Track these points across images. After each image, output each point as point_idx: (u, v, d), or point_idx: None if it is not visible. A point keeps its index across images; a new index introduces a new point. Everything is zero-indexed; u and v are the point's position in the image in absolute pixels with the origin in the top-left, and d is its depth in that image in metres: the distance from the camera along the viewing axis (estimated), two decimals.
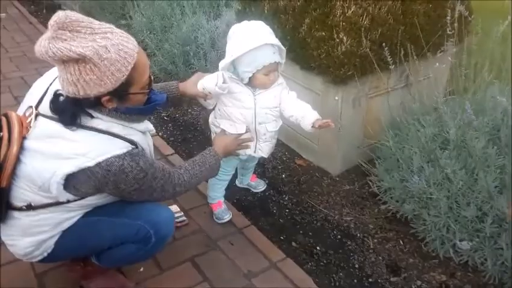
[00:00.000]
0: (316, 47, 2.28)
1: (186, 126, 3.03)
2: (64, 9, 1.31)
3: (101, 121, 1.42)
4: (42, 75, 1.58)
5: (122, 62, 1.30)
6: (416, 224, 2.00)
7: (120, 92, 1.36)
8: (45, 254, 1.57)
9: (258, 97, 1.87)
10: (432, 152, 1.95)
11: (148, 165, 1.47)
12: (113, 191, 1.47)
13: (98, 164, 1.36)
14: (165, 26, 3.57)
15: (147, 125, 1.58)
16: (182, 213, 2.21)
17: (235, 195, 2.39)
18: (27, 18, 4.96)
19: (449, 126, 1.92)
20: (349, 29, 2.19)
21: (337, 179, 2.52)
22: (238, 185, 2.45)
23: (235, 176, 2.38)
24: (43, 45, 1.24)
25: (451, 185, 1.80)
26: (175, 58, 3.34)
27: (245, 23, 1.84)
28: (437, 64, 2.08)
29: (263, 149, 2.01)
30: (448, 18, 1.97)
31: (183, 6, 3.56)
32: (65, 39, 1.24)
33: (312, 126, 1.86)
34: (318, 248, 2.09)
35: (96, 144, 1.38)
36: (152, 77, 1.47)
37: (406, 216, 2.07)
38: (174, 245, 2.04)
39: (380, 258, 2.03)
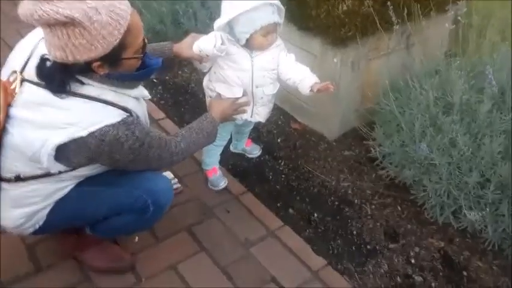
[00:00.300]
0: (315, 6, 2.17)
1: (177, 89, 2.91)
2: None
3: (92, 88, 1.31)
4: (24, 36, 1.45)
5: (114, 25, 1.20)
6: (416, 190, 1.96)
7: (112, 57, 1.26)
8: (37, 226, 1.51)
9: (256, 59, 1.79)
10: (435, 116, 1.89)
11: (144, 134, 1.39)
12: (107, 162, 1.39)
13: (91, 134, 1.28)
14: None
15: (142, 91, 1.48)
16: (177, 180, 2.14)
17: (230, 161, 2.33)
18: None
19: (453, 90, 1.85)
20: None
21: (334, 143, 2.46)
22: (233, 150, 2.38)
23: (229, 141, 2.29)
24: (27, 7, 1.12)
25: (453, 150, 1.75)
26: (164, 17, 3.16)
27: None
28: (446, 25, 1.97)
29: (260, 113, 1.94)
30: None
31: None
32: (51, 0, 1.12)
33: (310, 90, 1.79)
34: (315, 214, 2.06)
35: (88, 113, 1.29)
36: (146, 40, 1.36)
37: (405, 182, 2.03)
38: (170, 213, 1.96)
39: (378, 224, 2.00)
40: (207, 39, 1.70)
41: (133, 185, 1.52)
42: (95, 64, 1.25)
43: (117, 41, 1.22)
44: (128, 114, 1.35)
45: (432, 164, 1.81)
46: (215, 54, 1.69)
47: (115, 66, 1.30)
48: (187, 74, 3.06)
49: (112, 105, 1.33)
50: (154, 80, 3.01)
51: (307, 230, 1.98)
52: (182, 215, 1.98)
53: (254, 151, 2.36)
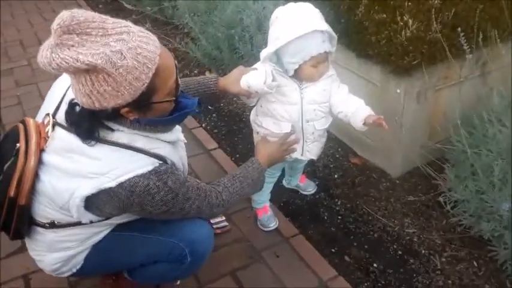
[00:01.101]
0: (375, 32, 1.98)
1: (231, 117, 2.82)
2: None
3: (122, 134, 1.23)
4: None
5: (141, 69, 1.09)
6: (496, 244, 1.68)
7: (141, 102, 1.15)
8: (74, 270, 1.45)
9: (305, 91, 1.64)
10: None
11: (179, 184, 1.27)
12: (140, 213, 1.30)
13: (120, 185, 1.19)
14: (209, 7, 3.33)
15: (178, 135, 1.38)
16: (224, 218, 2.03)
17: (282, 198, 2.18)
18: (76, 0, 4.90)
19: None
20: (415, 10, 1.87)
21: (398, 182, 2.23)
22: (286, 185, 2.23)
23: (282, 176, 2.16)
24: (45, 55, 1.03)
25: None
26: (220, 42, 3.10)
27: (290, 5, 1.58)
28: None
29: (311, 150, 1.78)
30: None
31: None
32: (72, 46, 1.03)
33: (364, 123, 1.62)
34: (374, 265, 1.83)
35: (117, 162, 1.20)
36: (180, 82, 1.25)
37: (482, 234, 1.75)
38: (215, 255, 1.84)
39: (449, 282, 1.74)
40: (256, 74, 1.57)
41: (169, 232, 1.42)
42: (124, 110, 1.16)
43: (145, 85, 1.12)
44: (160, 162, 1.25)
45: None
46: (265, 91, 1.56)
47: (145, 111, 1.20)
48: (243, 101, 2.97)
49: (143, 153, 1.23)
50: (209, 108, 2.94)
51: (365, 283, 1.76)
52: (228, 258, 1.85)
53: (308, 188, 2.20)
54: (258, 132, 1.80)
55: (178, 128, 1.40)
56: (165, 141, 1.30)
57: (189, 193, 1.31)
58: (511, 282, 1.66)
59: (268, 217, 1.98)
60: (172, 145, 1.34)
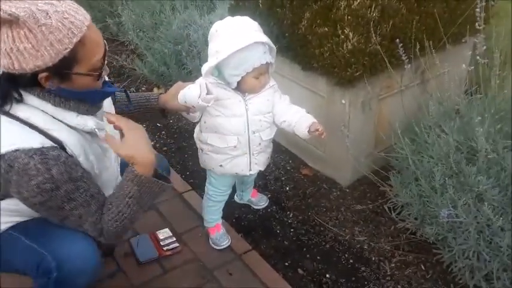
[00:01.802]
0: (318, 45, 2.01)
1: (181, 134, 2.78)
2: None
3: (25, 107, 1.18)
4: None
5: (65, 32, 1.09)
6: (441, 247, 1.73)
7: (62, 70, 1.13)
8: None
9: (250, 102, 1.65)
10: (457, 164, 1.67)
11: (67, 178, 1.17)
12: (18, 197, 1.19)
13: (1, 156, 1.12)
14: (155, 23, 3.30)
15: (92, 124, 1.25)
16: (174, 239, 1.98)
17: (234, 214, 2.16)
18: None
19: (476, 134, 1.64)
20: (355, 24, 1.91)
21: (347, 190, 2.26)
22: (238, 201, 2.21)
23: (234, 191, 2.13)
24: None
25: (481, 206, 1.53)
26: (167, 58, 3.07)
27: (229, 19, 1.59)
28: (463, 65, 1.78)
29: (259, 161, 1.79)
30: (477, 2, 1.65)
31: (174, 0, 3.27)
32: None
33: (309, 131, 1.65)
34: (327, 275, 1.84)
35: (6, 133, 1.14)
36: (106, 65, 1.23)
37: (427, 237, 1.80)
38: (165, 278, 1.81)
39: (399, 287, 1.77)
40: (191, 89, 1.55)
41: (45, 241, 1.29)
42: (42, 75, 1.12)
43: (67, 50, 1.09)
44: (54, 145, 1.16)
45: (457, 221, 1.58)
46: (201, 105, 1.53)
47: (63, 80, 1.16)
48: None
49: (38, 131, 1.16)
50: (158, 124, 2.89)
51: None
52: (178, 280, 1.80)
53: (260, 202, 2.19)
54: (202, 150, 1.77)
55: (102, 123, 1.31)
56: (70, 126, 1.22)
57: (76, 195, 1.20)
58: (457, 284, 1.71)
59: (221, 235, 1.95)
60: (83, 135, 1.26)
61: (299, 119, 1.68)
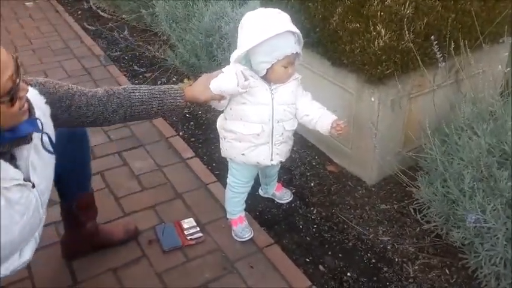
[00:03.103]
0: (349, 41, 1.99)
1: (209, 125, 2.81)
2: None
3: None
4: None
5: None
6: (467, 252, 1.69)
7: None
8: None
9: (276, 92, 1.68)
10: (488, 168, 1.63)
11: None
12: None
13: None
14: (188, 14, 3.33)
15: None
16: (198, 229, 2.01)
17: (258, 207, 2.17)
18: (54, 6, 4.84)
19: (508, 138, 1.59)
20: (388, 20, 1.88)
21: (373, 189, 2.24)
22: (262, 195, 2.22)
23: (258, 185, 2.16)
24: None
25: (511, 212, 1.48)
26: (198, 50, 3.09)
27: (261, 10, 1.63)
28: (500, 67, 1.73)
29: (281, 152, 1.80)
30: None
31: None
32: None
33: (332, 127, 1.71)
34: (348, 274, 1.83)
35: None
36: (21, 86, 1.06)
37: (453, 241, 1.76)
38: (187, 266, 1.85)
39: None
40: (227, 78, 1.57)
41: None
42: None
43: None
44: None
45: (485, 226, 1.54)
46: (240, 92, 1.57)
47: None
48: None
49: None
50: (187, 116, 2.92)
51: None
52: (200, 269, 1.83)
53: (284, 197, 2.19)
54: (225, 138, 1.80)
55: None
56: None
57: None
58: None
59: (243, 228, 1.96)
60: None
61: (322, 115, 1.72)
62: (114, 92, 1.46)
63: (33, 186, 1.10)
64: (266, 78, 1.65)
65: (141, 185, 2.28)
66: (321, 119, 1.72)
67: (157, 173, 2.37)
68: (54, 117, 1.31)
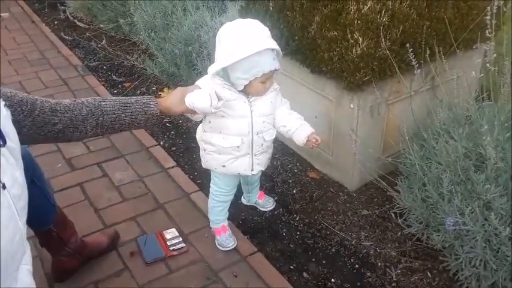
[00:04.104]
0: (327, 49, 2.01)
1: (190, 134, 2.80)
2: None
3: None
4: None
5: None
6: (447, 255, 1.71)
7: None
8: None
9: (254, 104, 1.68)
10: (465, 171, 1.66)
11: None
12: None
13: None
14: (167, 23, 3.31)
15: None
16: (181, 239, 1.99)
17: (241, 215, 2.16)
18: (30, 16, 4.76)
19: (484, 142, 1.62)
20: (365, 28, 1.90)
21: (354, 195, 2.26)
22: (245, 203, 2.22)
23: (241, 193, 2.16)
24: None
25: (488, 214, 1.51)
26: (177, 59, 3.08)
27: (239, 22, 1.61)
28: (473, 73, 1.77)
29: (261, 161, 1.81)
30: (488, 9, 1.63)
31: (186, 1, 3.28)
32: None
33: (308, 140, 1.73)
34: (332, 280, 1.83)
35: None
36: None
37: (433, 244, 1.78)
38: (170, 278, 1.82)
39: None
40: (201, 97, 1.54)
41: None
42: None
43: None
44: None
45: (464, 228, 1.57)
46: (212, 112, 1.55)
47: None
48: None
49: None
50: (168, 125, 2.90)
51: None
52: (184, 280, 1.81)
53: (267, 204, 2.19)
54: (205, 150, 1.79)
55: None
56: None
57: None
58: None
59: (227, 237, 1.95)
60: None
61: (299, 127, 1.73)
62: (83, 102, 1.41)
63: (4, 187, 0.98)
64: (244, 91, 1.64)
65: (121, 196, 2.25)
66: (298, 130, 1.73)
67: (138, 184, 2.34)
68: (17, 123, 1.19)
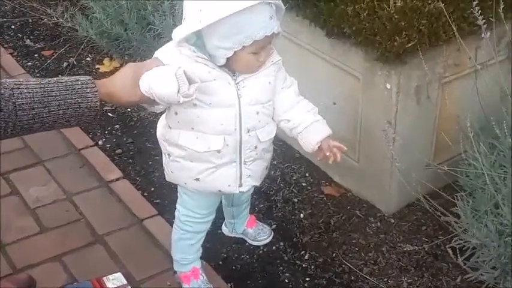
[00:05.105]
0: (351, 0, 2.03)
1: (144, 128, 2.84)
2: None
3: None
4: None
5: None
6: None
7: None
8: None
9: (243, 86, 1.69)
10: None
11: None
12: None
13: None
14: None
15: None
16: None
17: (221, 252, 2.20)
18: None
19: None
20: None
21: (392, 221, 2.31)
22: (228, 233, 2.27)
23: (221, 218, 2.19)
24: None
25: None
26: (124, 14, 3.10)
27: None
28: None
29: (254, 173, 1.83)
30: None
31: None
32: None
33: (319, 147, 1.76)
34: None
35: None
36: None
37: None
38: None
39: None
40: (163, 79, 1.53)
41: None
42: None
43: None
44: None
45: None
46: (179, 102, 1.55)
47: None
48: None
49: None
50: (110, 114, 2.92)
51: None
52: None
53: (261, 236, 2.24)
54: (169, 155, 1.81)
55: None
56: None
57: None
58: None
59: (199, 284, 1.99)
60: None
61: (310, 125, 1.75)
62: None
63: None
64: (228, 66, 1.65)
65: (39, 224, 2.28)
66: (307, 130, 1.75)
67: (64, 205, 2.37)
68: None
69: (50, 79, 1.51)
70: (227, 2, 1.51)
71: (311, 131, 1.75)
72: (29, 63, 3.33)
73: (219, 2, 1.52)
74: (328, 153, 1.75)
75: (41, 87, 1.47)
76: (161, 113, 1.82)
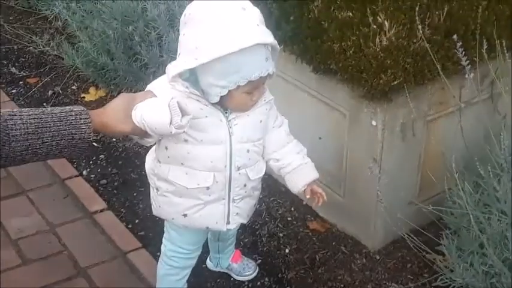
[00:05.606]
0: (338, 37, 2.07)
1: (129, 159, 2.84)
2: None
3: None
4: None
5: None
6: None
7: None
8: None
9: (234, 123, 1.69)
10: None
11: None
12: None
13: None
14: None
15: None
16: None
17: (206, 286, 2.20)
18: None
19: None
20: (394, 8, 1.97)
21: (378, 257, 2.31)
22: (213, 268, 2.26)
23: (206, 253, 2.18)
24: None
25: None
26: (111, 44, 3.11)
27: (216, 1, 1.59)
28: None
29: (242, 210, 1.84)
30: None
31: None
32: None
33: (305, 190, 1.82)
34: None
35: None
36: None
37: None
38: None
39: None
40: (156, 110, 1.55)
41: None
42: None
43: None
44: None
45: None
46: (172, 134, 1.55)
47: None
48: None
49: None
50: (95, 144, 2.91)
51: None
52: None
53: (246, 271, 2.24)
54: (157, 189, 1.80)
55: None
56: None
57: None
58: None
59: None
60: None
61: (298, 167, 1.78)
62: None
63: None
64: (221, 103, 1.66)
65: (21, 256, 2.26)
66: (296, 172, 1.78)
67: (47, 236, 2.36)
68: None
69: (43, 109, 1.51)
70: (224, 41, 1.51)
71: (298, 173, 1.78)
72: (14, 91, 3.31)
73: (216, 40, 1.51)
74: (310, 197, 1.80)
75: (35, 118, 1.47)
76: (149, 147, 1.83)
